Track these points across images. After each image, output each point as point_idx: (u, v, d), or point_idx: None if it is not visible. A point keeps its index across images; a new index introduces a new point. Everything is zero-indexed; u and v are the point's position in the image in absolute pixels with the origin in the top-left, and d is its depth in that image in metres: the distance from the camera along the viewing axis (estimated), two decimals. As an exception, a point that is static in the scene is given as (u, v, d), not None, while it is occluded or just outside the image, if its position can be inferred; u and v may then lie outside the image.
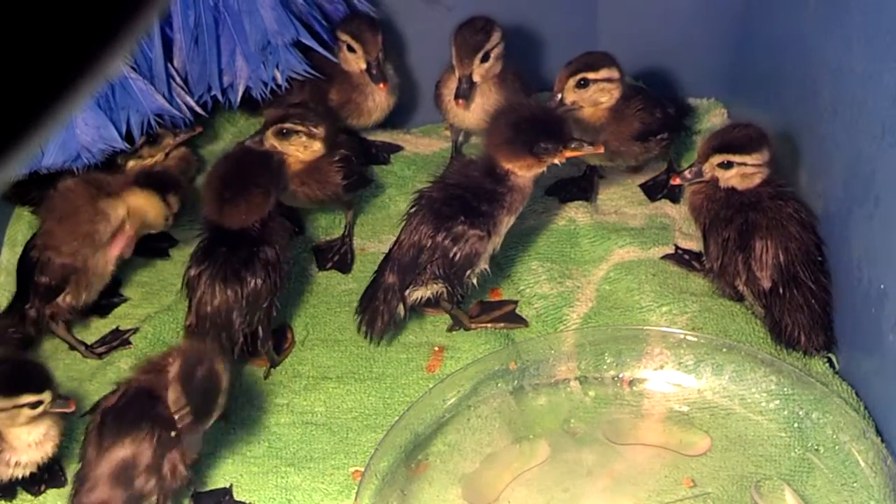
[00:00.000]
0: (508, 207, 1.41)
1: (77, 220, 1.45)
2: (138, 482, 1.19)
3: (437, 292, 1.41)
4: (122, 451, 1.19)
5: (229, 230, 1.40)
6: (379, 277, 1.42)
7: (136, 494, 1.19)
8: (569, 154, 1.40)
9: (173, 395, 1.20)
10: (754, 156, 1.42)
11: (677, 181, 1.49)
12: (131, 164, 1.65)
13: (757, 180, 1.43)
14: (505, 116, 1.42)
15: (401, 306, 1.41)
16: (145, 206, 1.50)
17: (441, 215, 1.40)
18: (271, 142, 1.54)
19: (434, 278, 1.40)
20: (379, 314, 1.41)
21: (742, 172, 1.42)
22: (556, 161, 1.40)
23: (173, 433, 1.20)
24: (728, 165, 1.42)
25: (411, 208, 1.43)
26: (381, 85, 1.66)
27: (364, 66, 1.66)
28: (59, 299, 1.45)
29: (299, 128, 1.54)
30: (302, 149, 1.55)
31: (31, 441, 1.25)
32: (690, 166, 1.47)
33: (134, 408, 1.22)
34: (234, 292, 1.38)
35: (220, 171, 1.45)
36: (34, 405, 1.23)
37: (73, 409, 1.28)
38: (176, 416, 1.19)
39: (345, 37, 1.66)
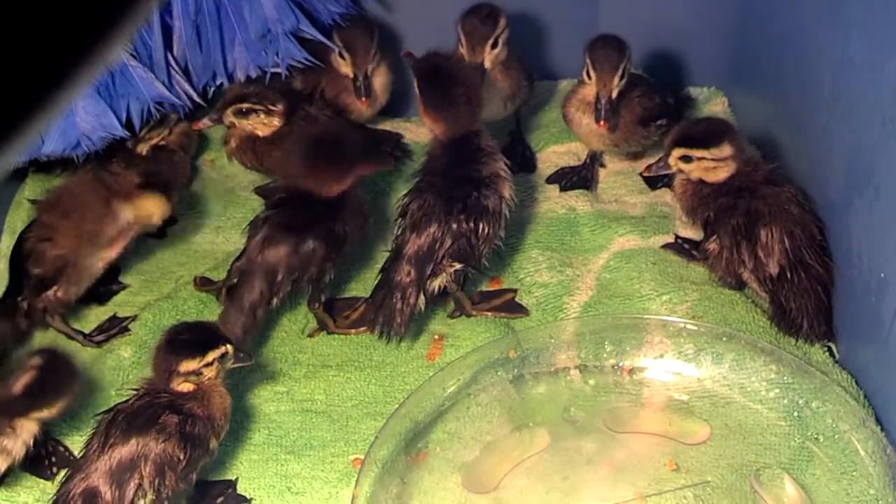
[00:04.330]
0: (497, 154, 1.45)
1: (84, 218, 1.45)
2: (132, 484, 1.19)
3: (450, 275, 1.41)
4: (124, 451, 1.19)
5: (308, 194, 1.43)
6: (392, 276, 1.40)
7: (126, 495, 1.19)
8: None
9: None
10: (713, 150, 1.43)
11: (646, 172, 1.51)
12: (140, 146, 1.65)
13: (722, 174, 1.44)
14: (440, 87, 1.43)
15: (421, 299, 1.39)
16: (153, 210, 1.51)
17: (452, 198, 1.39)
18: (230, 119, 1.61)
19: (451, 262, 1.40)
20: (398, 312, 1.39)
21: (704, 166, 1.44)
22: None
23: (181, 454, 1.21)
24: (688, 159, 1.44)
25: (412, 204, 1.42)
26: (363, 100, 1.67)
27: (352, 75, 1.67)
28: (50, 293, 1.45)
29: (258, 107, 1.60)
30: (261, 126, 1.61)
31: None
32: (658, 159, 1.49)
33: (145, 413, 1.22)
34: (287, 247, 1.40)
35: (315, 136, 1.48)
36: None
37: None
38: None
39: (339, 42, 1.67)
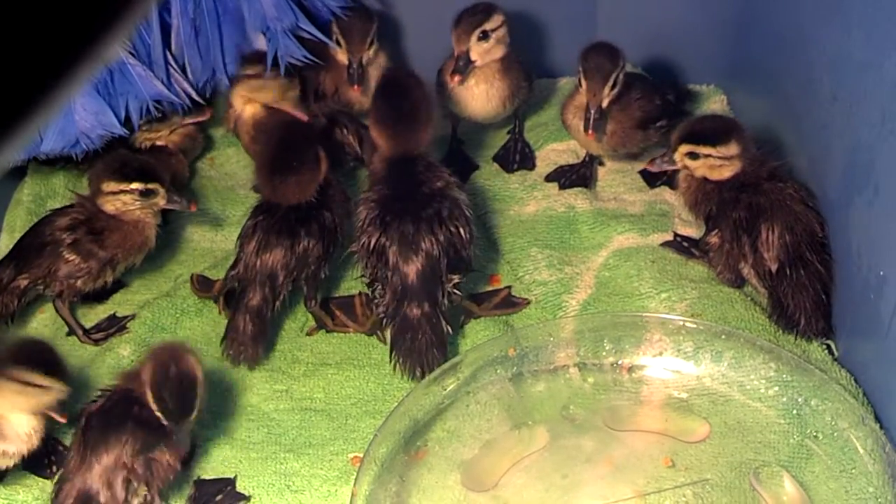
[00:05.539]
0: (443, 168, 1.45)
1: (140, 228, 1.48)
2: (119, 484, 1.19)
3: (452, 289, 1.39)
4: (104, 454, 1.19)
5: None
6: (406, 314, 1.36)
7: (118, 495, 1.19)
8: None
9: (149, 400, 1.21)
10: (719, 148, 1.42)
11: (651, 167, 1.50)
12: (138, 136, 1.65)
13: (727, 173, 1.43)
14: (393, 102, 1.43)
15: (443, 325, 1.36)
16: None
17: (426, 214, 1.38)
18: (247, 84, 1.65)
19: (450, 276, 1.38)
20: (429, 346, 1.35)
21: (709, 164, 1.43)
22: None
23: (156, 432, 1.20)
24: (694, 156, 1.43)
25: (382, 237, 1.37)
26: (355, 87, 1.66)
27: (347, 62, 1.67)
28: (80, 281, 1.45)
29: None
30: (279, 96, 1.64)
31: (23, 432, 1.24)
32: (663, 154, 1.48)
33: (116, 411, 1.22)
34: (284, 248, 1.40)
35: (267, 153, 1.47)
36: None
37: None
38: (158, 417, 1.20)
39: (336, 29, 1.66)
